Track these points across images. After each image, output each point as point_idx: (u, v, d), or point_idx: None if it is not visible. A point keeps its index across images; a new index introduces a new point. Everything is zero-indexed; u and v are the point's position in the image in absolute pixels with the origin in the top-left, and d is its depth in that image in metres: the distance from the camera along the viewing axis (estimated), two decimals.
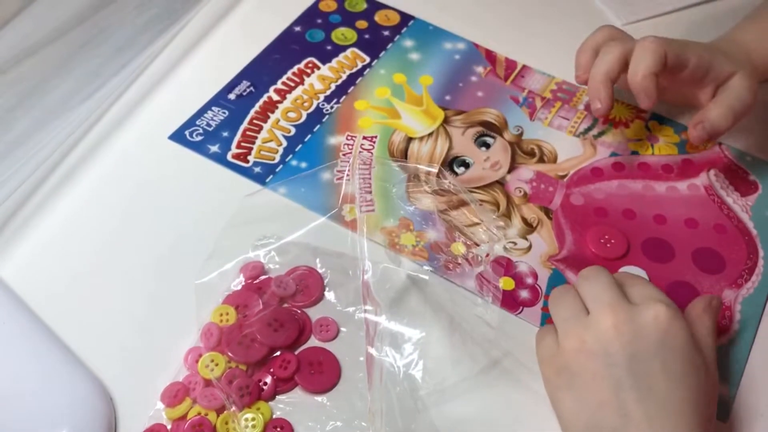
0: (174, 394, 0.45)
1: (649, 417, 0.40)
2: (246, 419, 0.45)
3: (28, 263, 0.52)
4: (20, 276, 0.51)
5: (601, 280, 0.44)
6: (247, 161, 0.58)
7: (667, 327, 0.42)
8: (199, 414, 0.45)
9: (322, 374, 0.47)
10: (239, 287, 0.50)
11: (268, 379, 0.46)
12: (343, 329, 0.49)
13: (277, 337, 0.48)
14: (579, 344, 0.42)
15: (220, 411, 0.45)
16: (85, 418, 0.44)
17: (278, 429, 0.45)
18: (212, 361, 0.47)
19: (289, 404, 0.46)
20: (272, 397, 0.46)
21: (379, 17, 0.69)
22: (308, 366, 0.47)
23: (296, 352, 0.48)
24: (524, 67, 0.66)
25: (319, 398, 0.46)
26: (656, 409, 0.40)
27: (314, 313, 0.50)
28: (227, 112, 0.61)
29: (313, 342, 0.49)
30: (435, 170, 0.57)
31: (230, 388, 0.45)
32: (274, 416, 0.45)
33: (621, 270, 0.53)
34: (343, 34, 0.67)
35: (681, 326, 0.42)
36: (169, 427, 0.45)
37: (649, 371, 0.41)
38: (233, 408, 0.45)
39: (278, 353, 0.48)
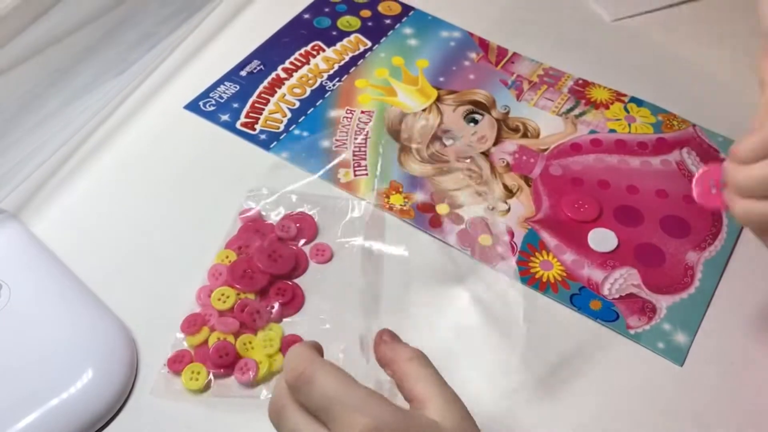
0: (193, 323, 0.50)
1: None
2: (263, 338, 0.50)
3: (58, 222, 0.57)
4: (51, 232, 0.56)
5: None
6: (254, 129, 0.63)
7: None
8: (218, 339, 0.50)
9: None
10: (236, 231, 0.56)
11: (276, 304, 0.52)
12: (337, 254, 0.55)
13: (276, 266, 0.53)
14: None
15: (236, 335, 0.50)
16: (108, 358, 0.49)
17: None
18: (223, 294, 0.52)
19: (294, 324, 0.52)
20: (280, 320, 0.52)
21: (382, 7, 0.75)
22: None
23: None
24: (514, 54, 0.71)
25: (322, 316, 0.52)
26: None
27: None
28: (238, 87, 0.66)
29: (311, 266, 0.55)
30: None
31: (243, 315, 0.51)
32: (285, 334, 0.51)
33: (592, 232, 0.57)
34: (347, 22, 0.73)
35: None
36: (192, 353, 0.50)
37: None
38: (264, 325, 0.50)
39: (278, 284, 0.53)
